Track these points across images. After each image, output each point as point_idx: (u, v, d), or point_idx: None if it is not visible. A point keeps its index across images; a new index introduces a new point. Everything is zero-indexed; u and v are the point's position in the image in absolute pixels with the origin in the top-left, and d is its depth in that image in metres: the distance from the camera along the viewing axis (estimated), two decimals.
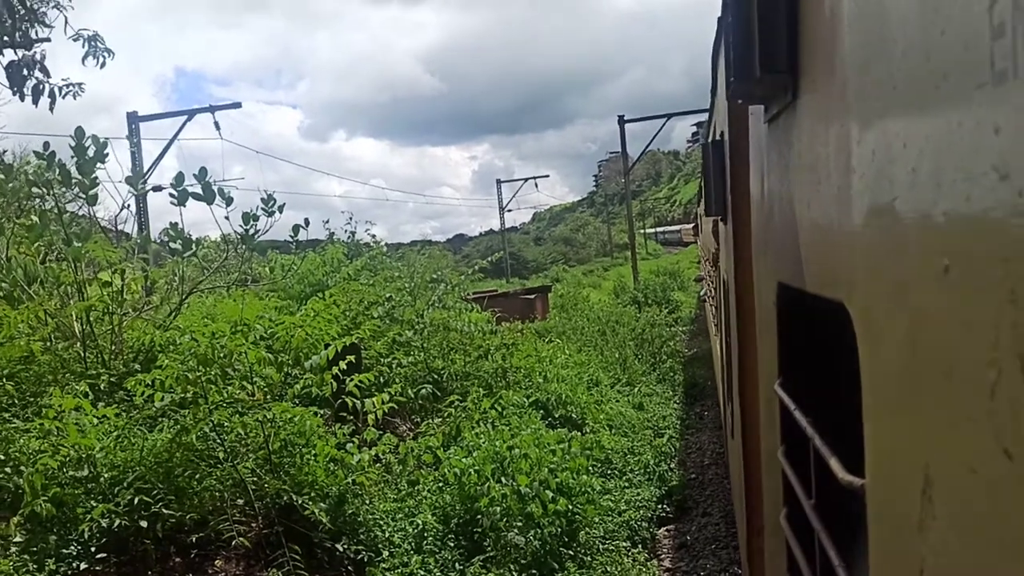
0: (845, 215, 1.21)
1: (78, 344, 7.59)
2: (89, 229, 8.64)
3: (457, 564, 6.21)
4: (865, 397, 1.15)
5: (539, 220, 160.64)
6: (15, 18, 6.67)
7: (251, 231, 8.92)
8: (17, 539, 4.93)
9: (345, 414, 6.97)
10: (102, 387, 6.85)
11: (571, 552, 6.80)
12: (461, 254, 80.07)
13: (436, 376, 10.10)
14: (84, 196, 8.00)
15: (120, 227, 12.91)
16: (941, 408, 0.84)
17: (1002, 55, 0.64)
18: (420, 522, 6.46)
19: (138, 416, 6.37)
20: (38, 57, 6.65)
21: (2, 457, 5.39)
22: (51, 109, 6.81)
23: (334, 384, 6.79)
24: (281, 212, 9.02)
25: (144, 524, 5.17)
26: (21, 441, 5.50)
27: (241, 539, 5.39)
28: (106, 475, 5.54)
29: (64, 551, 4.96)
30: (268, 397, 6.47)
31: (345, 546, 5.95)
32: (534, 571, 6.31)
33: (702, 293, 18.58)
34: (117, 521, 5.09)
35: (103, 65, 7.11)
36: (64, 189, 8.12)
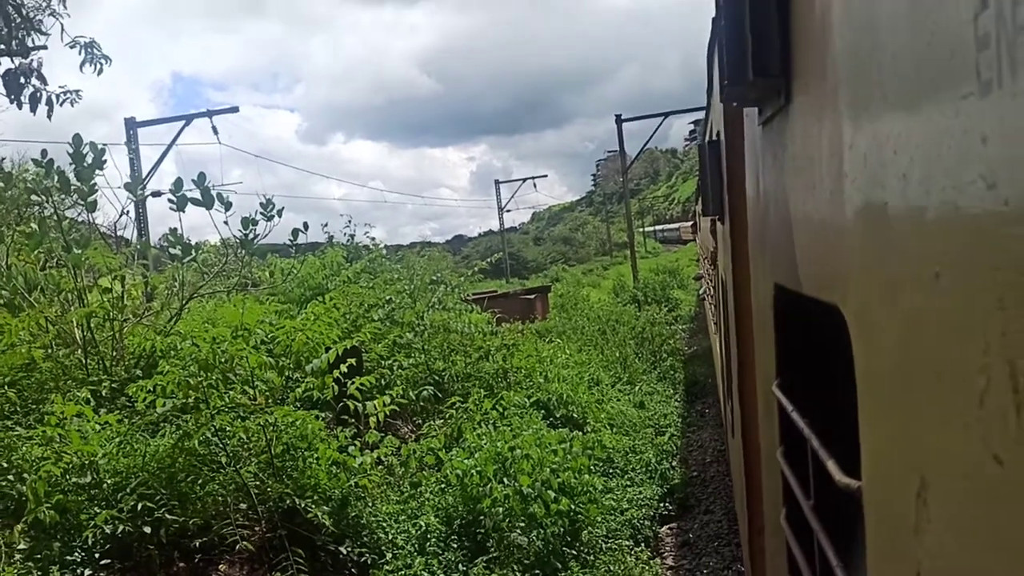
0: (838, 219, 1.22)
1: (79, 351, 7.60)
2: (89, 235, 8.65)
3: (460, 565, 6.22)
4: (860, 400, 1.16)
5: (538, 220, 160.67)
6: (11, 26, 6.68)
7: (250, 235, 8.94)
8: (21, 546, 4.94)
9: (347, 417, 6.99)
10: (104, 393, 6.86)
11: (574, 552, 6.80)
12: (460, 255, 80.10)
13: (437, 378, 10.11)
14: (83, 203, 8.01)
15: (119, 233, 12.91)
16: (934, 413, 0.84)
17: (987, 65, 0.65)
18: (423, 524, 6.47)
19: (140, 422, 6.38)
20: (35, 65, 6.65)
21: (5, 464, 5.40)
22: (49, 116, 6.82)
23: (335, 387, 6.80)
24: (280, 216, 9.04)
25: (147, 530, 5.18)
26: (24, 448, 5.50)
27: (245, 543, 5.40)
28: (109, 481, 5.55)
29: (68, 558, 4.97)
30: (270, 401, 6.47)
31: (348, 549, 5.96)
32: (537, 571, 6.32)
33: (701, 291, 18.60)
34: (120, 527, 5.10)
35: (100, 72, 7.12)
36: (63, 196, 8.13)
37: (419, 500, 6.93)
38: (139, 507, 5.22)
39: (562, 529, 6.78)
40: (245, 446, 6.32)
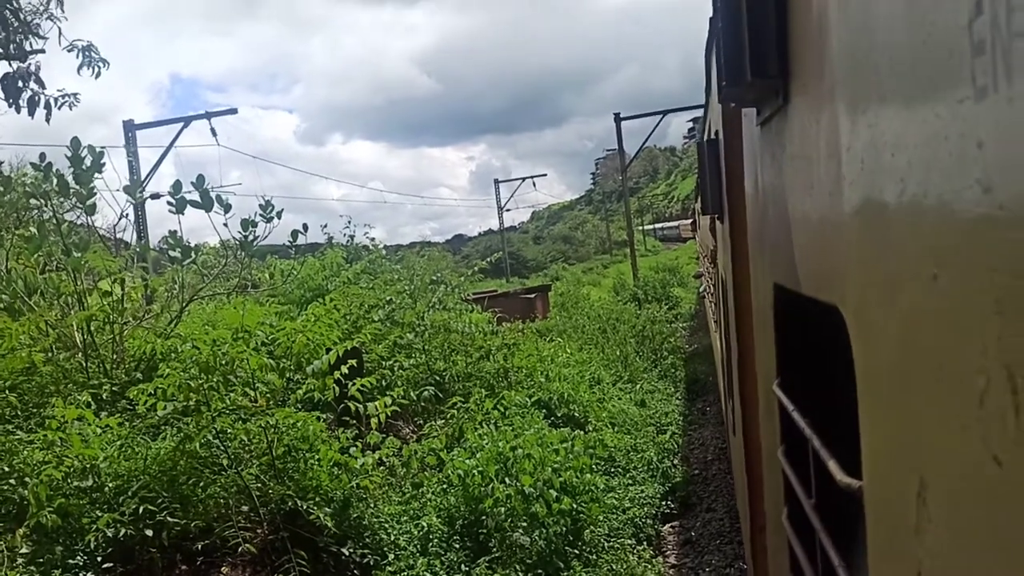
0: (836, 219, 1.22)
1: (79, 354, 7.60)
2: (88, 239, 8.65)
3: (463, 565, 6.22)
4: (861, 401, 1.16)
5: (538, 219, 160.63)
6: (9, 30, 6.68)
7: (250, 237, 8.94)
8: (23, 550, 4.94)
9: (348, 418, 6.99)
10: (104, 397, 6.86)
11: (576, 551, 6.81)
12: (460, 255, 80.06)
13: (438, 378, 10.11)
14: (82, 206, 8.01)
15: (119, 236, 12.92)
16: (933, 413, 0.85)
17: (983, 71, 0.65)
18: (425, 524, 6.48)
19: (141, 425, 6.39)
20: (33, 69, 6.66)
21: (6, 469, 5.40)
22: (47, 120, 6.83)
23: (336, 388, 6.80)
24: (279, 218, 9.04)
25: (149, 533, 5.18)
26: (25, 452, 5.51)
27: (247, 546, 5.40)
28: (110, 485, 5.55)
29: (70, 562, 4.97)
30: (271, 403, 6.48)
31: (351, 550, 5.97)
32: (540, 571, 6.33)
33: (701, 289, 18.59)
34: (122, 530, 5.10)
35: (98, 75, 7.13)
36: (62, 199, 8.13)
37: (421, 501, 6.93)
38: (141, 510, 5.22)
39: (564, 528, 6.79)
40: (246, 448, 6.32)
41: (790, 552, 1.94)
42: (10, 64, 6.71)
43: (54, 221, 8.02)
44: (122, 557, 5.16)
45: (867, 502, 1.15)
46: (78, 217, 9.24)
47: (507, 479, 6.84)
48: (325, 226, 18.39)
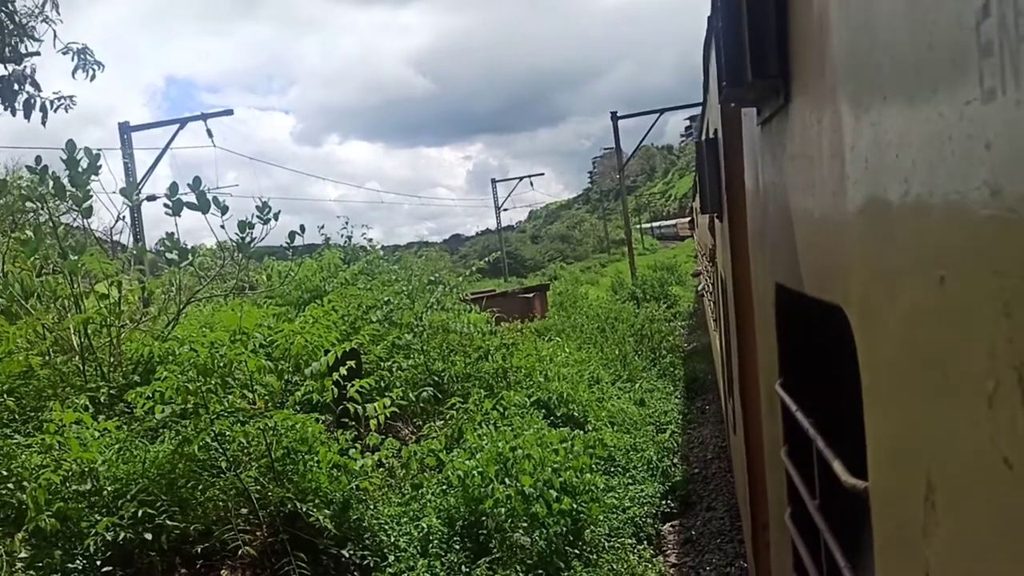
0: (840, 220, 1.22)
1: (77, 357, 7.58)
2: (84, 241, 8.63)
3: (463, 566, 6.21)
4: (866, 402, 1.16)
5: (535, 218, 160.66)
6: (4, 33, 6.66)
7: (247, 239, 8.93)
8: (22, 555, 4.92)
9: (347, 420, 6.98)
10: (102, 400, 6.84)
11: (577, 551, 6.81)
12: (458, 254, 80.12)
13: (437, 378, 10.10)
14: (78, 208, 7.99)
15: (115, 238, 12.90)
16: (941, 415, 0.85)
17: (991, 73, 0.65)
18: (425, 525, 6.47)
19: (139, 428, 6.37)
20: (28, 71, 6.64)
21: (4, 473, 5.38)
22: (43, 123, 6.81)
23: (335, 390, 6.79)
24: (277, 219, 9.03)
25: (149, 536, 5.17)
26: (23, 456, 5.49)
27: (246, 548, 5.39)
28: (109, 488, 5.54)
29: (69, 566, 4.96)
30: (269, 405, 6.46)
31: (351, 552, 5.96)
32: (540, 571, 6.32)
33: (700, 288, 18.60)
34: (122, 534, 5.09)
35: (93, 78, 7.11)
36: (58, 202, 8.11)
37: (421, 502, 6.92)
38: (140, 514, 5.20)
39: (564, 528, 6.79)
40: (245, 451, 6.31)
41: (793, 551, 1.94)
42: (5, 67, 6.69)
43: (50, 224, 8.00)
44: (121, 561, 5.14)
45: (873, 503, 1.15)
46: (74, 220, 9.24)
47: (507, 479, 6.84)
48: (322, 227, 18.37)
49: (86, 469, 5.49)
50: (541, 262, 72.02)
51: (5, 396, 6.48)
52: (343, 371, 6.85)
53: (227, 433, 6.08)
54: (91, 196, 7.92)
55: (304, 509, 5.84)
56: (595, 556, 6.86)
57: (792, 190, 1.63)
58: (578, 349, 14.33)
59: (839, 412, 1.64)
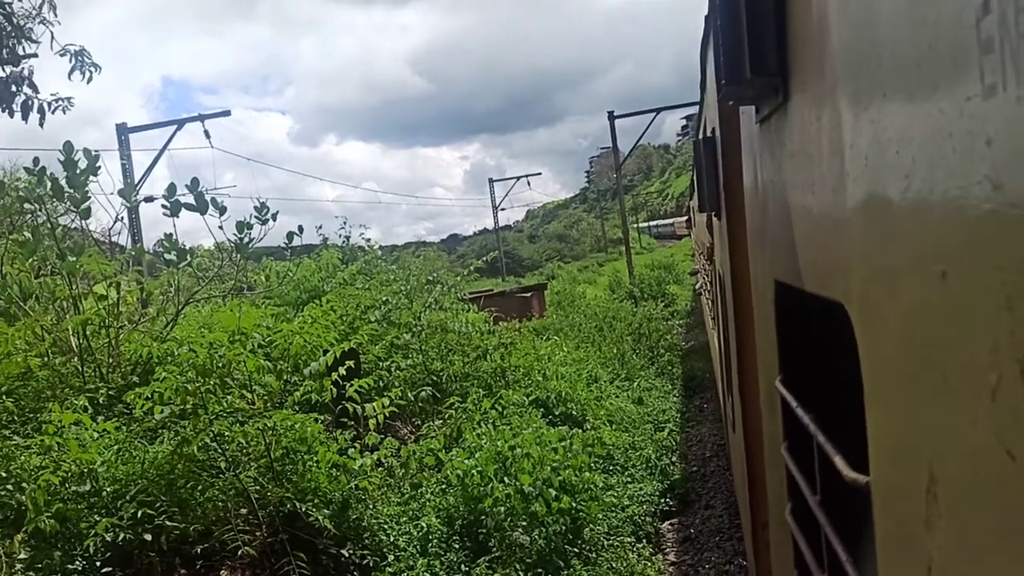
0: (840, 217, 1.22)
1: (75, 359, 7.57)
2: (83, 243, 8.62)
3: (463, 566, 6.22)
4: (867, 397, 1.16)
5: (533, 218, 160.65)
6: (2, 35, 6.64)
7: (245, 239, 8.92)
8: (22, 556, 4.92)
9: (346, 419, 6.98)
10: (101, 401, 6.83)
11: (576, 549, 6.82)
12: (456, 254, 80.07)
13: (435, 378, 10.11)
14: (76, 210, 7.98)
15: (114, 239, 12.87)
16: (943, 410, 0.85)
17: (991, 69, 0.66)
18: (424, 525, 6.48)
19: (138, 429, 6.37)
20: (26, 73, 6.63)
21: (4, 474, 5.38)
22: (41, 124, 6.80)
23: (334, 390, 6.79)
24: (275, 220, 9.02)
25: (148, 537, 5.17)
26: (22, 458, 5.48)
27: (246, 548, 5.39)
28: (108, 489, 5.53)
29: (69, 567, 4.95)
30: (268, 405, 6.46)
31: (350, 551, 5.96)
32: (540, 570, 6.33)
33: (697, 286, 18.62)
34: (121, 535, 5.09)
35: (90, 80, 7.10)
36: (56, 203, 8.09)
37: (420, 501, 6.93)
38: (139, 514, 5.20)
39: (564, 527, 6.79)
40: (244, 451, 6.31)
41: (794, 548, 1.95)
42: (3, 69, 6.67)
43: (48, 225, 7.99)
44: (121, 562, 5.14)
45: (875, 497, 1.16)
46: (72, 221, 9.22)
47: (506, 478, 6.84)
48: (320, 227, 18.35)
49: (85, 470, 5.49)
50: (539, 261, 71.98)
51: (4, 397, 6.47)
52: (342, 371, 6.85)
53: (226, 433, 6.08)
54: (89, 197, 7.92)
55: (303, 509, 5.84)
56: (594, 554, 6.87)
57: (792, 187, 1.64)
58: (576, 348, 14.34)
59: (839, 407, 1.64)
